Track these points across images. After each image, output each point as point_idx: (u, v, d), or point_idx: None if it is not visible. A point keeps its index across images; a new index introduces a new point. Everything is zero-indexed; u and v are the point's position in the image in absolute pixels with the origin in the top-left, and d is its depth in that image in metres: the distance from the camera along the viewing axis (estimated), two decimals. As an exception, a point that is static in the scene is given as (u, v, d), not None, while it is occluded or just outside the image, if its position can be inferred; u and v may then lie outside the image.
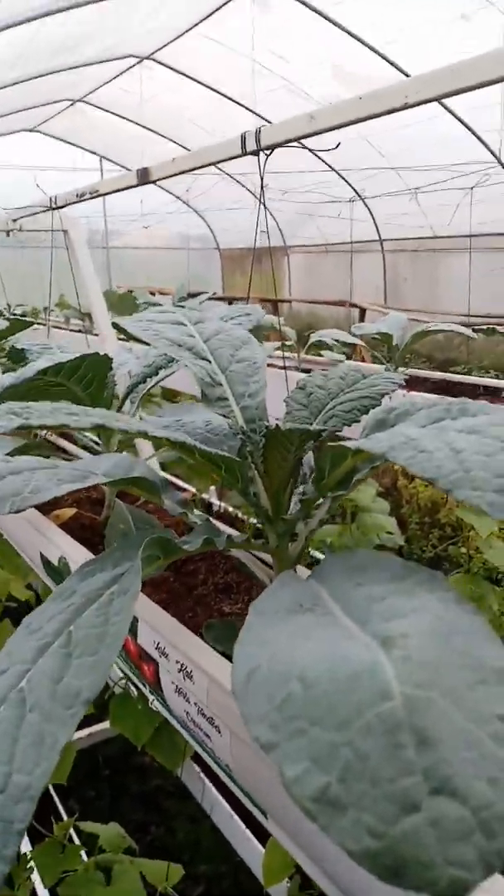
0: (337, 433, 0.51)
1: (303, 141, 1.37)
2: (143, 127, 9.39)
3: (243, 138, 1.39)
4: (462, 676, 0.30)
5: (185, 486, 1.38)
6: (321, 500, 0.58)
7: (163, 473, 1.01)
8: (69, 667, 0.38)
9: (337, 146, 1.36)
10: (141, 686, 0.72)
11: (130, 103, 8.84)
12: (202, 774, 2.87)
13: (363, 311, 7.94)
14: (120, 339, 2.66)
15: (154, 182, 1.75)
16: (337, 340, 2.78)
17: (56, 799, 2.71)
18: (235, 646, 0.36)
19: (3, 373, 0.81)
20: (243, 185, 10.01)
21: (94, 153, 10.79)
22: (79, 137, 10.47)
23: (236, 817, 2.66)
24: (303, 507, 0.57)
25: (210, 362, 0.64)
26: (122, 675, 3.00)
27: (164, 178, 1.72)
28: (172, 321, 0.69)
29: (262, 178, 1.44)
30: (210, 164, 1.54)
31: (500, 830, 0.25)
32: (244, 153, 1.41)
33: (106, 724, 2.97)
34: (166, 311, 0.71)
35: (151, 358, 0.88)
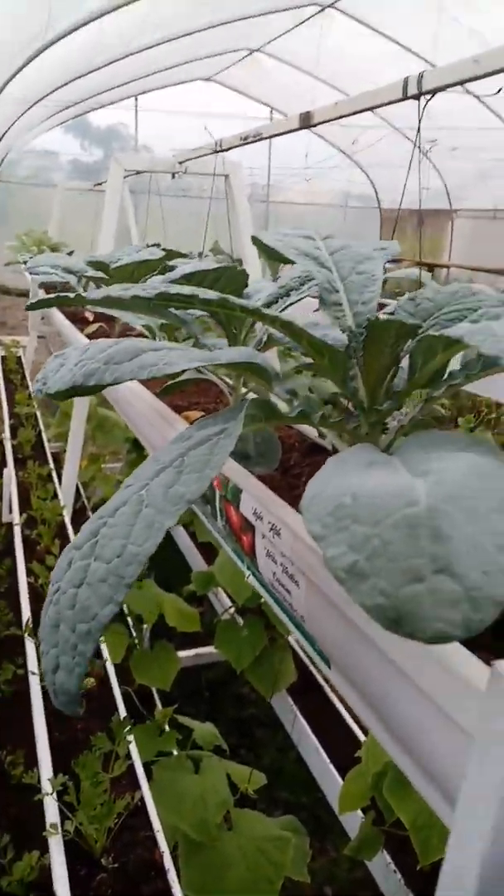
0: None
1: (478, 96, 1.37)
2: (317, 79, 9.31)
3: (405, 82, 1.41)
4: (483, 503, 0.36)
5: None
6: (412, 393, 0.64)
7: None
8: (179, 479, 0.48)
9: (499, 91, 1.35)
10: (240, 562, 0.82)
11: (307, 54, 8.77)
12: (294, 707, 3.01)
13: (524, 284, 7.59)
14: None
15: (315, 125, 1.80)
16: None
17: (159, 704, 2.94)
18: (308, 482, 0.44)
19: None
20: (411, 140, 9.70)
21: (266, 104, 10.84)
22: (252, 89, 10.55)
23: (322, 751, 2.79)
24: (395, 398, 0.64)
25: (331, 272, 0.71)
26: (230, 603, 3.17)
27: (324, 122, 1.76)
28: (303, 235, 0.77)
29: (419, 121, 1.45)
30: (370, 108, 1.57)
31: (484, 607, 0.32)
32: (405, 97, 1.43)
33: (211, 648, 3.17)
34: (299, 229, 0.79)
35: (285, 280, 0.95)
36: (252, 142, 2.17)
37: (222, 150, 2.40)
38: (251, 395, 1.28)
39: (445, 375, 0.61)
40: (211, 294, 0.53)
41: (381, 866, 2.28)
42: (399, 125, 9.36)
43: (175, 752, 1.94)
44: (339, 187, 12.73)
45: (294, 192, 12.57)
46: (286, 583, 0.66)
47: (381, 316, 0.56)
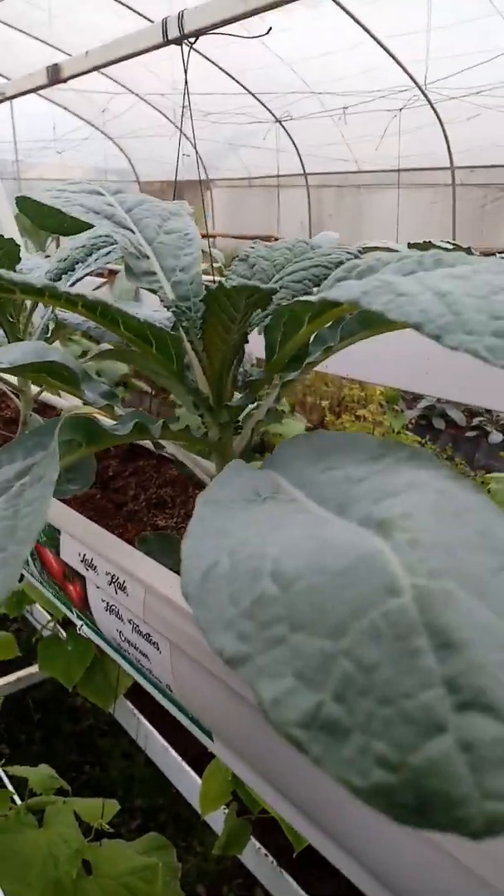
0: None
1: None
2: (54, 47, 8.75)
3: (164, 24, 1.25)
4: (483, 561, 0.23)
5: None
6: (270, 382, 0.50)
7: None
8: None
9: (268, 31, 1.24)
10: (67, 611, 0.65)
11: (38, 19, 8.21)
12: (136, 711, 2.84)
13: (288, 246, 7.82)
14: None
15: (65, 80, 1.58)
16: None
17: (-17, 747, 2.65)
18: (184, 540, 0.28)
19: None
20: (160, 111, 9.54)
21: (1, 75, 10.04)
22: (-20, 56, 9.70)
23: (171, 750, 2.66)
24: (250, 390, 0.49)
25: (134, 232, 0.55)
26: (49, 618, 2.91)
27: (76, 76, 1.55)
28: (88, 191, 0.59)
29: (185, 74, 1.30)
30: (128, 57, 1.39)
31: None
32: (166, 41, 1.26)
33: (34, 669, 2.91)
34: (81, 183, 0.61)
35: (66, 252, 0.76)
36: (-7, 102, 1.89)
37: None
38: (46, 395, 1.07)
39: (308, 353, 0.48)
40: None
41: (252, 852, 2.22)
42: (143, 93, 9.15)
43: (13, 806, 1.70)
44: (95, 162, 12.19)
45: (46, 167, 11.81)
46: (139, 644, 0.50)
47: (225, 281, 0.41)
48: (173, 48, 1.36)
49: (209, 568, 0.26)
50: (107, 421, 0.46)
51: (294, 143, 9.52)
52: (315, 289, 0.49)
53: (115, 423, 0.44)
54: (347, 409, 5.78)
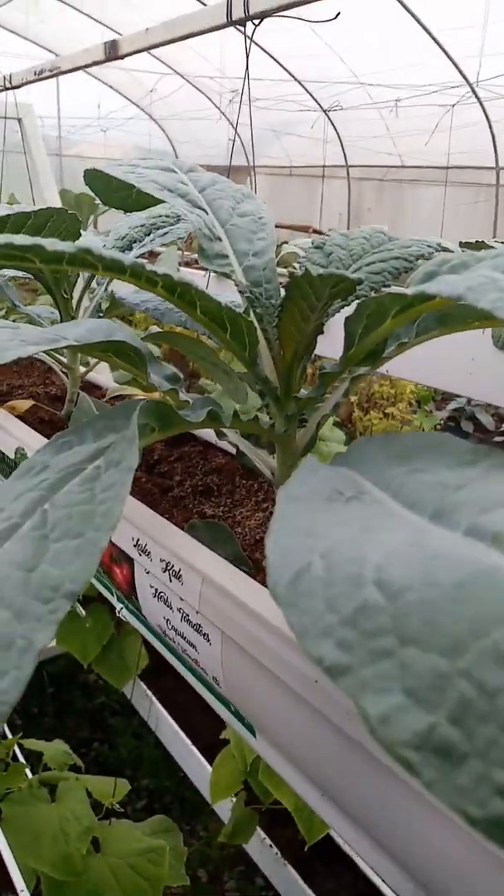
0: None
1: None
2: (106, 26, 8.74)
3: (229, 3, 1.23)
4: None
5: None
6: (343, 375, 0.48)
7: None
8: (45, 552, 0.28)
9: (337, 16, 1.21)
10: (108, 594, 0.64)
11: None
12: (149, 692, 2.86)
13: (326, 238, 7.75)
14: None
15: (122, 56, 1.57)
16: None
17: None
18: (268, 537, 0.27)
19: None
20: (206, 95, 9.50)
21: (52, 51, 10.04)
22: (34, 32, 9.70)
23: (182, 733, 2.67)
24: (322, 382, 0.48)
25: (207, 213, 0.53)
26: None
27: (134, 53, 1.54)
28: (162, 167, 0.57)
29: (247, 57, 1.29)
30: (189, 36, 1.37)
31: None
32: (230, 22, 1.24)
33: (51, 642, 2.93)
34: (152, 159, 0.60)
35: (124, 231, 0.75)
36: (49, 76, 1.88)
37: (12, 87, 2.07)
38: (92, 375, 1.07)
39: (385, 347, 0.46)
40: (65, 245, 0.33)
41: (257, 842, 2.23)
42: (190, 76, 9.10)
43: (27, 778, 1.72)
44: (137, 141, 12.16)
45: (88, 145, 11.77)
46: (188, 634, 0.49)
47: (311, 268, 0.39)
48: (223, 32, 1.34)
49: (301, 569, 0.24)
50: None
51: (338, 134, 9.42)
52: (393, 282, 0.48)
53: (188, 410, 0.43)
54: (376, 406, 5.74)
